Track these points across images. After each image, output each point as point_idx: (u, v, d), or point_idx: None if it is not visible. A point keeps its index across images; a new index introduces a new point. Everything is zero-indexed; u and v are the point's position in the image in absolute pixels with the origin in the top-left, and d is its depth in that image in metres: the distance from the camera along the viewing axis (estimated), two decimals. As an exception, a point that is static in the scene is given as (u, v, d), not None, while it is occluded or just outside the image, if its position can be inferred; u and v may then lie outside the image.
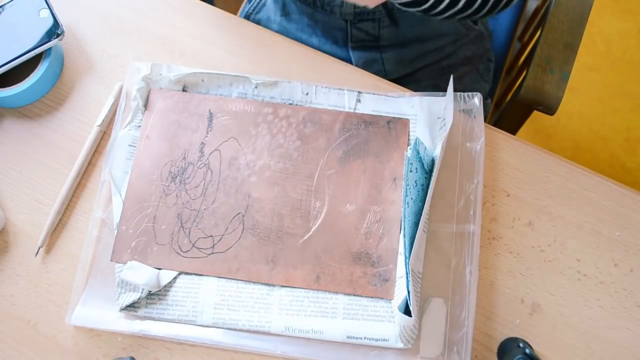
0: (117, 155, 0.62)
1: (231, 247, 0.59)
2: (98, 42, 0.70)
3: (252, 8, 0.91)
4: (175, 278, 0.58)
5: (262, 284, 0.58)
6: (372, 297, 0.57)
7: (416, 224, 0.57)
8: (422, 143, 0.60)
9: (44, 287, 0.59)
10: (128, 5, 0.71)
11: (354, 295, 0.57)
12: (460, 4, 0.59)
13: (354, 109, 0.64)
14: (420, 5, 0.59)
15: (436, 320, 0.56)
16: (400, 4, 0.59)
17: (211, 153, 0.62)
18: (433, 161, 0.60)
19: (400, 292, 0.56)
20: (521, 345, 0.53)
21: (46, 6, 0.67)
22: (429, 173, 0.60)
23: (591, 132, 1.53)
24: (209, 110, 0.64)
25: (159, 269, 0.58)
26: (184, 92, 0.65)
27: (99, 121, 0.64)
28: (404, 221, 0.56)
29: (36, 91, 0.66)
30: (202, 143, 0.63)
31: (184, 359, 0.56)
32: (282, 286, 0.58)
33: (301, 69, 0.68)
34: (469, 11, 0.61)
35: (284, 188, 0.61)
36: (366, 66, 0.83)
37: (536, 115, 0.79)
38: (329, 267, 0.58)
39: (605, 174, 0.63)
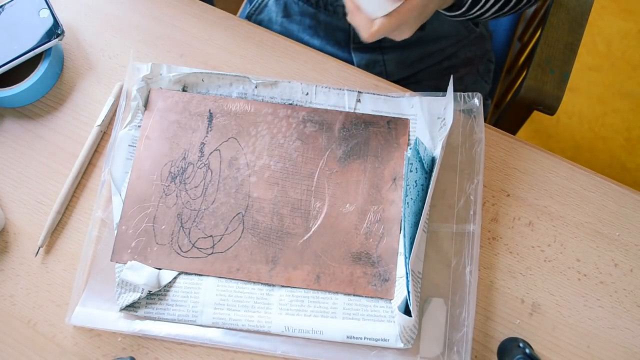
0: (117, 155, 0.62)
1: (231, 247, 0.59)
2: (98, 42, 0.70)
3: (253, 9, 0.91)
4: (175, 278, 0.58)
5: (262, 284, 0.58)
6: (372, 297, 0.57)
7: (416, 224, 0.57)
8: (422, 143, 0.60)
9: (44, 287, 0.59)
10: (128, 5, 0.71)
11: (354, 295, 0.57)
12: (498, 5, 0.60)
13: (354, 109, 0.64)
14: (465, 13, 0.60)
15: (436, 320, 0.56)
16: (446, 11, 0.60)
17: (211, 153, 0.62)
18: (433, 161, 0.60)
19: (400, 292, 0.56)
20: (521, 345, 0.53)
21: (46, 6, 0.67)
22: (429, 173, 0.60)
23: (591, 132, 1.53)
24: (209, 110, 0.64)
25: (159, 269, 0.58)
26: (184, 92, 0.65)
27: (99, 121, 0.64)
28: (404, 221, 0.56)
29: (36, 91, 0.66)
30: (202, 143, 0.63)
31: (184, 359, 0.56)
32: (282, 286, 0.58)
33: (301, 69, 0.68)
34: (506, 9, 0.62)
35: (284, 188, 0.61)
36: (368, 68, 0.83)
37: (536, 115, 0.79)
38: (329, 267, 0.58)
39: (605, 174, 0.63)
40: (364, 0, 0.50)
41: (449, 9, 0.59)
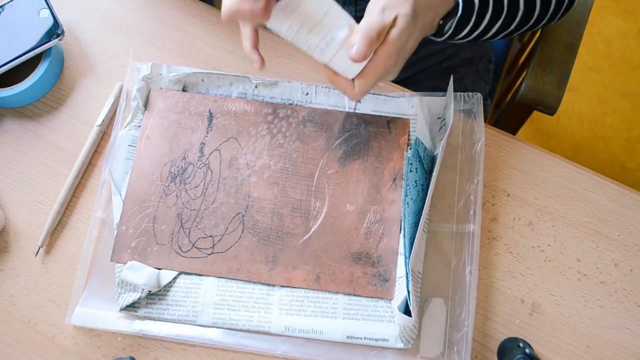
0: (117, 155, 0.62)
1: (231, 247, 0.59)
2: (98, 42, 0.70)
3: None
4: (175, 278, 0.58)
5: (262, 284, 0.58)
6: (372, 297, 0.57)
7: (416, 224, 0.57)
8: (422, 143, 0.60)
9: (44, 287, 0.59)
10: (128, 5, 0.71)
11: (353, 295, 0.57)
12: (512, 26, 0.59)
13: (354, 108, 0.64)
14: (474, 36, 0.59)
15: (436, 320, 0.56)
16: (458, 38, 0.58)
17: (211, 153, 0.62)
18: (433, 161, 0.60)
19: (400, 292, 0.56)
20: (521, 345, 0.53)
21: (46, 6, 0.67)
22: (429, 173, 0.60)
23: (591, 132, 1.53)
24: (209, 110, 0.64)
25: (159, 269, 0.58)
26: (184, 92, 0.65)
27: (99, 121, 0.64)
28: (404, 221, 0.56)
29: (36, 91, 0.66)
30: (202, 143, 0.63)
31: (184, 359, 0.56)
32: (282, 286, 0.58)
33: (301, 69, 0.68)
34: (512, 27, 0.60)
35: (284, 188, 0.61)
36: None
37: (536, 115, 0.79)
38: (329, 267, 0.58)
39: (605, 174, 0.63)
40: (335, 64, 0.52)
41: (434, 35, 0.58)
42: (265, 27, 0.53)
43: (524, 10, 0.58)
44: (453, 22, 0.55)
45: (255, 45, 0.55)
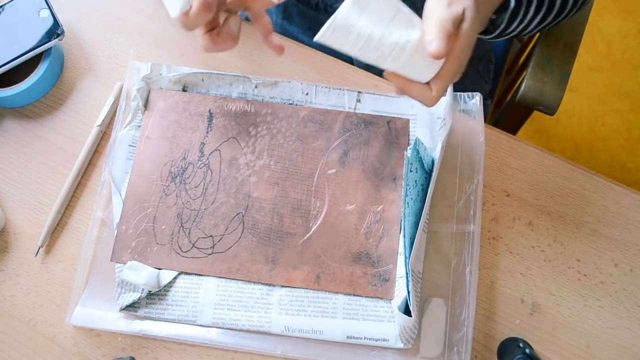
0: (117, 155, 0.62)
1: (231, 247, 0.59)
2: (98, 42, 0.70)
3: None
4: (175, 278, 0.58)
5: (262, 284, 0.58)
6: (372, 297, 0.57)
7: (416, 224, 0.57)
8: (422, 143, 0.60)
9: (44, 287, 0.59)
10: (128, 5, 0.71)
11: (354, 295, 0.57)
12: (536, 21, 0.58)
13: (354, 108, 0.64)
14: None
15: (436, 320, 0.56)
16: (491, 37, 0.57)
17: (211, 153, 0.62)
18: (433, 161, 0.60)
19: (400, 292, 0.56)
20: (521, 345, 0.53)
21: (46, 6, 0.67)
22: (429, 173, 0.60)
23: (591, 132, 1.53)
24: (209, 110, 0.64)
25: (159, 269, 0.58)
26: (184, 92, 0.65)
27: (99, 121, 0.64)
28: (404, 221, 0.56)
29: (36, 91, 0.66)
30: (202, 143, 0.63)
31: (184, 359, 0.56)
32: (282, 286, 0.58)
33: (301, 69, 0.68)
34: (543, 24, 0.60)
35: (284, 188, 0.61)
36: (368, 69, 0.83)
37: (536, 115, 0.79)
38: (329, 267, 0.58)
39: (605, 174, 0.63)
40: (410, 68, 0.48)
41: (483, 33, 0.56)
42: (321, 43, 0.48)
43: (561, 0, 0.58)
44: (505, 16, 0.54)
45: (267, 36, 0.54)
